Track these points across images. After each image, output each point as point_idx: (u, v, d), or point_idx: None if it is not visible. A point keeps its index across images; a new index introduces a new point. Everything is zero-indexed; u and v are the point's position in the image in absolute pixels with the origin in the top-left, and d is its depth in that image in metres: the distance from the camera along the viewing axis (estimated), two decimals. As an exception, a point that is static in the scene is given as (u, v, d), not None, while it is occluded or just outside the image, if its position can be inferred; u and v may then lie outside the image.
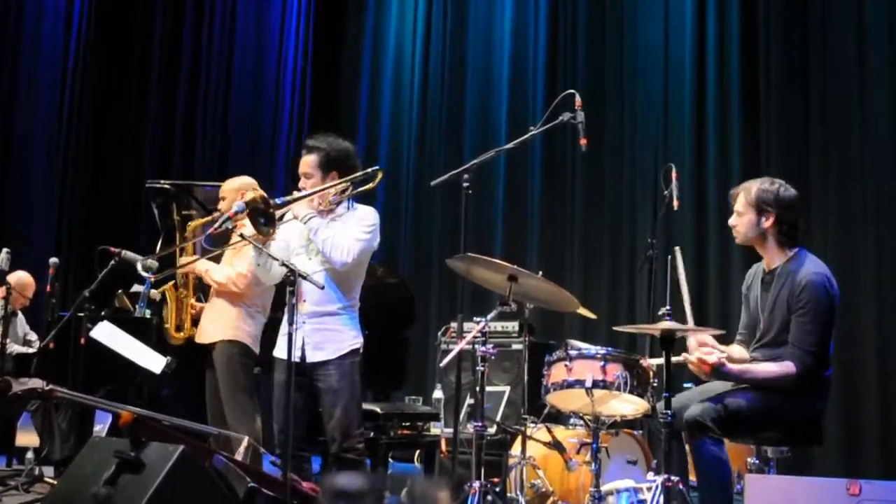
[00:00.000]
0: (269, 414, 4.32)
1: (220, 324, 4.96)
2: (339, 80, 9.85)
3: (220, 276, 4.94)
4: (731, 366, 3.72)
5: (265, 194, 3.82)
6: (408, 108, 9.23)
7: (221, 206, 5.07)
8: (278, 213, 3.87)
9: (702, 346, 3.80)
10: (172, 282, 5.18)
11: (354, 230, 4.10)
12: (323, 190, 4.10)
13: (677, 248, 4.02)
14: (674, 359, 3.62)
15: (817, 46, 6.97)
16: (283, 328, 3.97)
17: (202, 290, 5.34)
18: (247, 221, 4.10)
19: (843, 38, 6.87)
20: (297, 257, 4.14)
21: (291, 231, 4.18)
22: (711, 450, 3.65)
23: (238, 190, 5.07)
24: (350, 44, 9.81)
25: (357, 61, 9.68)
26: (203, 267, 5.02)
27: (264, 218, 3.77)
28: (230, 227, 4.07)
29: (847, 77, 6.81)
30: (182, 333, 5.20)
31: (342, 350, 4.07)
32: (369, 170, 4.17)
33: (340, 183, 4.12)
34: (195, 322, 5.20)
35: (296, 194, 4.05)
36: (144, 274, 5.05)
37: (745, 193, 3.88)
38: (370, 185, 4.19)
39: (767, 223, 3.83)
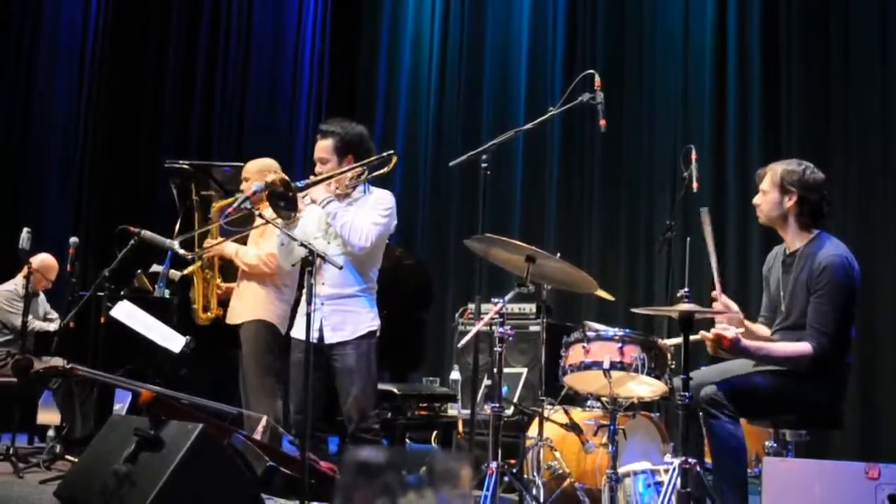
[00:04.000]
0: (287, 394, 4.34)
1: (250, 304, 4.97)
2: (357, 60, 9.84)
3: (250, 257, 4.96)
4: (747, 342, 3.70)
5: (286, 177, 3.83)
6: (426, 89, 9.21)
7: (244, 187, 5.08)
8: (301, 195, 3.88)
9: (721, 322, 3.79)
10: (199, 262, 5.19)
11: (372, 214, 4.12)
12: (341, 174, 4.12)
13: (705, 210, 3.94)
14: (692, 337, 3.60)
15: (839, 27, 6.90)
16: (301, 308, 3.99)
17: (225, 271, 5.36)
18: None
19: (866, 18, 6.79)
20: (314, 241, 4.15)
21: (309, 216, 4.19)
22: (727, 427, 3.63)
23: (261, 171, 5.07)
24: (368, 24, 9.80)
25: (375, 41, 9.67)
26: (232, 249, 5.03)
27: (285, 201, 3.78)
28: (249, 207, 4.08)
29: (869, 59, 6.73)
30: (209, 314, 5.22)
31: (360, 331, 4.09)
32: (384, 154, 4.18)
33: (357, 167, 4.14)
34: (221, 303, 5.22)
35: (314, 178, 4.06)
36: (181, 251, 5.08)
37: (772, 173, 3.85)
38: (385, 170, 4.20)
39: (789, 203, 3.80)
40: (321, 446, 4.21)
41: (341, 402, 4.11)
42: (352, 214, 4.09)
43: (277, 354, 4.97)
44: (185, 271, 5.29)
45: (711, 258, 3.83)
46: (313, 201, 4.10)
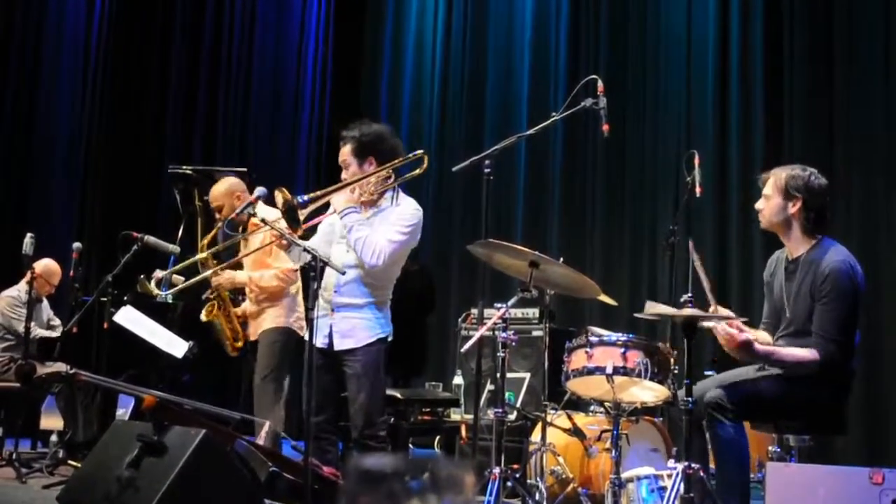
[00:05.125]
0: (295, 397, 4.32)
1: (270, 317, 4.98)
2: (361, 65, 9.85)
3: (268, 279, 4.94)
4: (758, 346, 3.69)
5: (289, 195, 3.78)
6: (429, 94, 9.21)
7: (219, 216, 5.07)
8: (306, 211, 3.82)
9: (733, 323, 3.78)
10: (211, 305, 5.13)
11: (390, 230, 4.00)
12: (354, 182, 4.00)
13: (690, 241, 3.98)
14: (706, 324, 3.60)
15: (842, 32, 6.90)
16: (312, 313, 3.95)
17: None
18: (262, 209, 4.10)
19: (869, 22, 6.78)
20: (337, 245, 4.11)
21: (335, 221, 4.12)
22: (730, 432, 3.62)
23: (231, 193, 5.08)
24: (371, 27, 9.80)
25: (378, 45, 9.67)
26: (244, 277, 5.01)
27: (293, 218, 3.75)
28: (252, 212, 4.06)
29: (872, 64, 6.73)
30: (239, 343, 5.19)
31: (369, 338, 4.04)
32: (411, 154, 4.08)
33: (375, 172, 4.02)
34: (243, 325, 5.20)
35: (317, 192, 3.97)
36: (157, 291, 5.02)
37: (775, 177, 3.82)
38: (417, 171, 4.09)
39: (794, 209, 3.78)
40: (331, 449, 4.18)
41: (349, 407, 4.09)
42: (367, 230, 3.98)
43: (288, 361, 4.96)
44: (204, 318, 5.19)
45: (705, 286, 3.83)
46: (334, 210, 4.04)
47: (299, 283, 5.07)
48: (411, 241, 4.08)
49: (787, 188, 3.77)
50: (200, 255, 4.92)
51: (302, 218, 3.80)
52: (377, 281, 4.08)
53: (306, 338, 4.32)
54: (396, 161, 4.06)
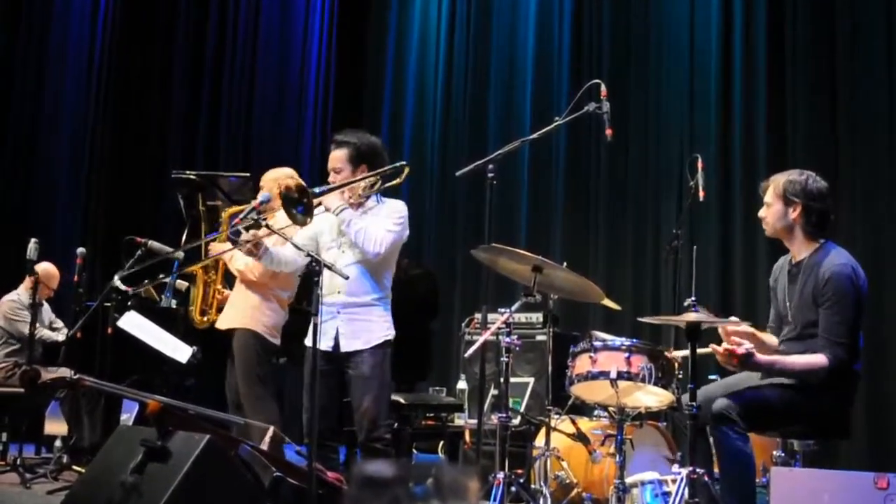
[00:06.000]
0: (298, 403, 4.32)
1: (239, 311, 4.96)
2: (364, 69, 9.86)
3: (239, 263, 4.96)
4: (760, 356, 3.68)
5: (302, 182, 3.83)
6: (432, 99, 9.22)
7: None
8: (316, 202, 3.87)
9: (732, 336, 3.76)
10: (204, 266, 5.17)
11: (385, 221, 4.14)
12: (357, 181, 4.13)
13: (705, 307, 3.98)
14: (700, 350, 3.59)
15: (845, 32, 6.88)
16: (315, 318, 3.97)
17: (228, 278, 5.36)
18: (278, 214, 4.12)
19: (873, 20, 6.77)
20: (328, 251, 4.15)
21: (322, 225, 4.20)
22: (736, 444, 3.61)
23: (277, 180, 5.07)
24: (374, 34, 9.82)
25: (381, 51, 9.68)
26: (228, 254, 5.03)
27: (300, 206, 3.77)
28: (256, 217, 4.07)
29: (876, 63, 6.71)
30: (206, 318, 5.20)
31: (375, 340, 4.10)
32: (396, 164, 4.18)
33: (370, 176, 4.15)
34: (220, 309, 5.20)
35: (328, 185, 4.06)
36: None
37: (774, 185, 3.84)
38: (397, 181, 4.20)
39: (794, 214, 3.79)
40: (331, 456, 4.20)
41: (354, 410, 4.10)
42: (366, 222, 4.11)
43: (268, 365, 4.95)
44: (188, 269, 5.26)
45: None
46: (327, 209, 4.10)
47: (278, 290, 5.02)
48: (404, 233, 4.22)
49: (786, 194, 3.79)
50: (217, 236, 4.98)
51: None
52: (379, 274, 4.16)
53: (305, 342, 4.33)
54: (385, 169, 4.19)
